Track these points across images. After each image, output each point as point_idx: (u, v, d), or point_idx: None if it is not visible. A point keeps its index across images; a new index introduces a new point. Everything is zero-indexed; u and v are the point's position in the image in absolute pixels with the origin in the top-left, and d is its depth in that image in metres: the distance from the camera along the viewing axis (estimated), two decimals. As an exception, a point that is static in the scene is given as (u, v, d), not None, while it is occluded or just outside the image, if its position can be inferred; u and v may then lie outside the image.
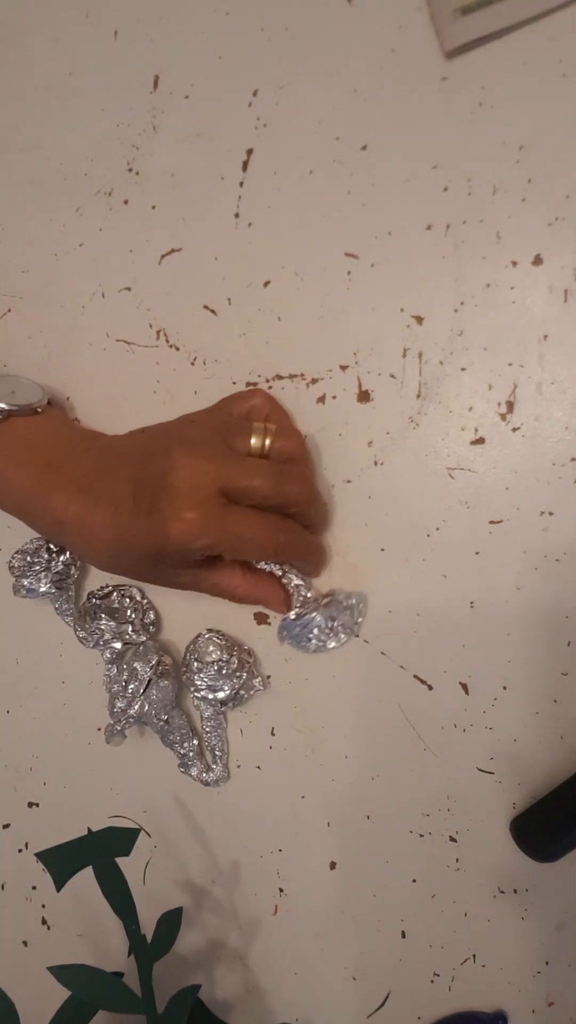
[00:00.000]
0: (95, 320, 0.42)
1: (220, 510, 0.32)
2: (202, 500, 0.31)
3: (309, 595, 0.37)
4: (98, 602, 0.40)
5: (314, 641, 0.38)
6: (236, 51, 0.39)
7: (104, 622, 0.40)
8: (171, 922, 0.37)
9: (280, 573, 0.36)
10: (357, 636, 0.38)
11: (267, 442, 0.34)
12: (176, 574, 0.35)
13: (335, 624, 0.37)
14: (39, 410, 0.38)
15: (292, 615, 0.37)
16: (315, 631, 0.37)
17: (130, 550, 0.33)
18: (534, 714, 0.37)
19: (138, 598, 0.41)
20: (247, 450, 0.34)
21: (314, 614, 0.37)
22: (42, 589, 0.40)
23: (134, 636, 0.40)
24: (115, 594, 0.41)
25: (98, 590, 0.41)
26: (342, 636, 0.38)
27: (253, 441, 0.34)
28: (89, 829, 0.34)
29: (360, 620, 0.38)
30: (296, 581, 0.36)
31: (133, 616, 0.40)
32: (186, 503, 0.31)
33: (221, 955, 0.42)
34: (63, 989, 0.33)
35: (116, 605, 0.40)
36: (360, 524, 0.38)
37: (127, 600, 0.41)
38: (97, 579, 0.42)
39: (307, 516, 0.35)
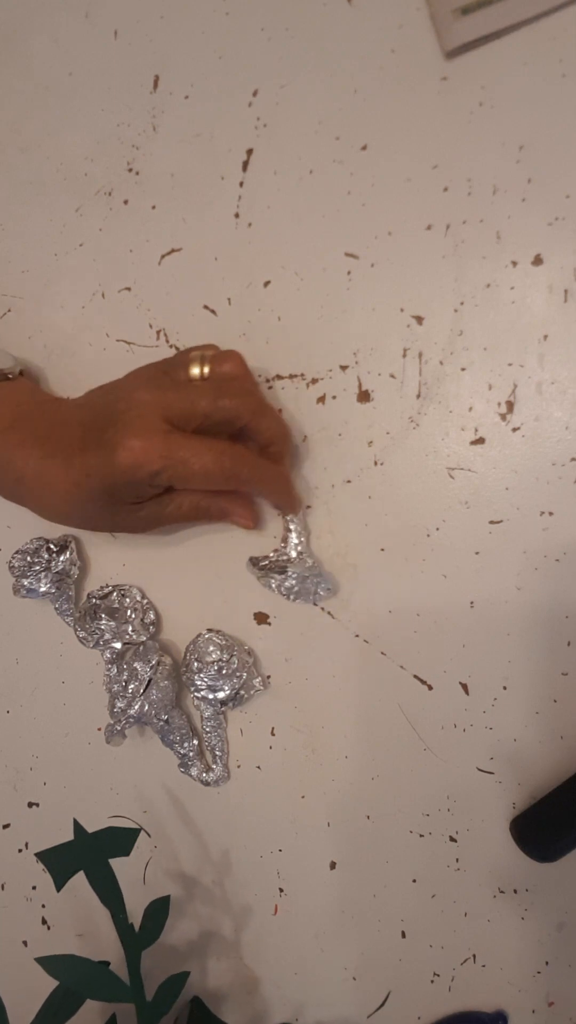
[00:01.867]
0: (95, 320, 0.42)
1: (164, 436, 0.33)
2: (145, 428, 0.32)
3: (298, 541, 0.38)
4: (98, 602, 0.40)
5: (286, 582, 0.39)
6: (236, 51, 0.39)
7: (104, 622, 0.40)
8: (159, 910, 0.37)
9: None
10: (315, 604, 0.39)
11: (206, 369, 0.35)
12: (136, 512, 0.36)
13: (299, 586, 0.38)
14: (10, 376, 0.39)
15: (272, 554, 0.39)
16: (289, 578, 0.38)
17: (87, 493, 0.34)
18: (534, 714, 0.37)
19: (138, 598, 0.41)
20: (189, 380, 0.35)
21: (289, 568, 0.38)
22: (42, 589, 0.40)
23: (134, 636, 0.40)
24: (115, 594, 0.41)
25: (98, 590, 0.41)
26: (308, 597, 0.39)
27: (194, 370, 0.35)
28: (76, 822, 0.34)
29: (321, 593, 0.39)
30: (292, 527, 0.38)
31: (133, 616, 0.40)
32: (129, 431, 0.32)
33: (221, 955, 0.42)
34: (63, 989, 0.33)
35: (116, 605, 0.40)
36: (360, 524, 0.38)
37: (127, 600, 0.41)
38: (97, 579, 0.42)
39: (260, 433, 0.35)
